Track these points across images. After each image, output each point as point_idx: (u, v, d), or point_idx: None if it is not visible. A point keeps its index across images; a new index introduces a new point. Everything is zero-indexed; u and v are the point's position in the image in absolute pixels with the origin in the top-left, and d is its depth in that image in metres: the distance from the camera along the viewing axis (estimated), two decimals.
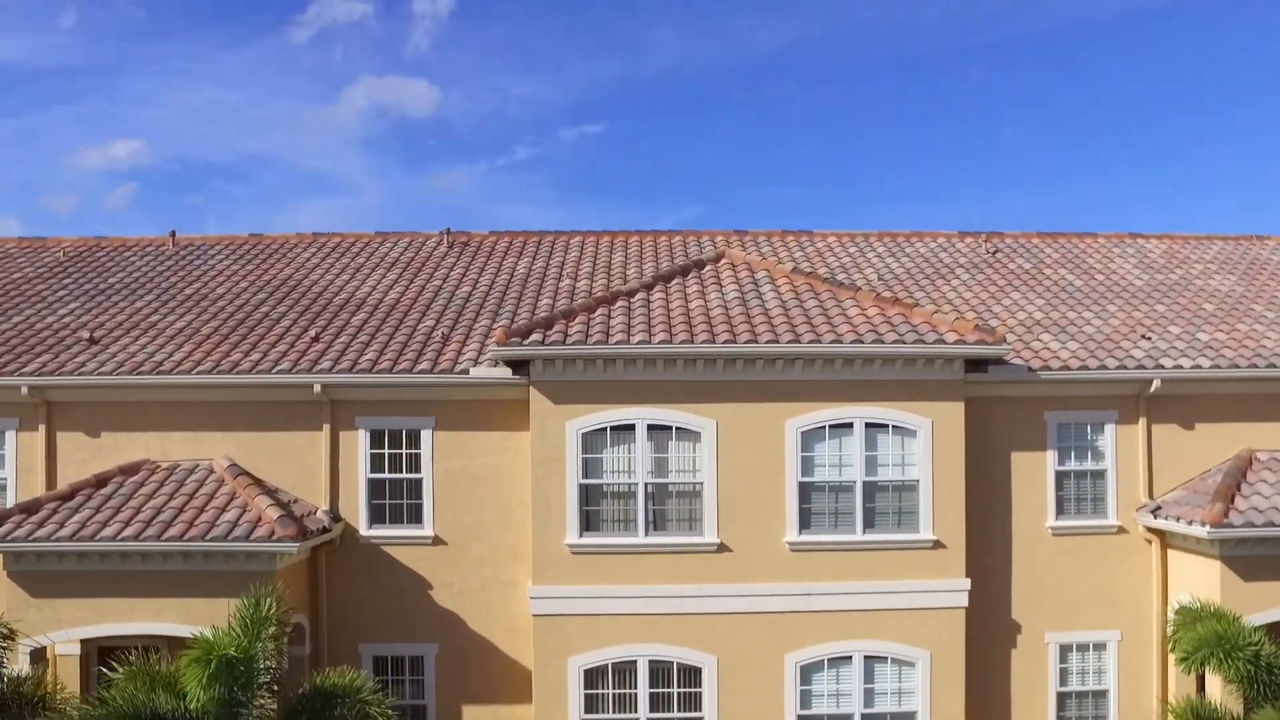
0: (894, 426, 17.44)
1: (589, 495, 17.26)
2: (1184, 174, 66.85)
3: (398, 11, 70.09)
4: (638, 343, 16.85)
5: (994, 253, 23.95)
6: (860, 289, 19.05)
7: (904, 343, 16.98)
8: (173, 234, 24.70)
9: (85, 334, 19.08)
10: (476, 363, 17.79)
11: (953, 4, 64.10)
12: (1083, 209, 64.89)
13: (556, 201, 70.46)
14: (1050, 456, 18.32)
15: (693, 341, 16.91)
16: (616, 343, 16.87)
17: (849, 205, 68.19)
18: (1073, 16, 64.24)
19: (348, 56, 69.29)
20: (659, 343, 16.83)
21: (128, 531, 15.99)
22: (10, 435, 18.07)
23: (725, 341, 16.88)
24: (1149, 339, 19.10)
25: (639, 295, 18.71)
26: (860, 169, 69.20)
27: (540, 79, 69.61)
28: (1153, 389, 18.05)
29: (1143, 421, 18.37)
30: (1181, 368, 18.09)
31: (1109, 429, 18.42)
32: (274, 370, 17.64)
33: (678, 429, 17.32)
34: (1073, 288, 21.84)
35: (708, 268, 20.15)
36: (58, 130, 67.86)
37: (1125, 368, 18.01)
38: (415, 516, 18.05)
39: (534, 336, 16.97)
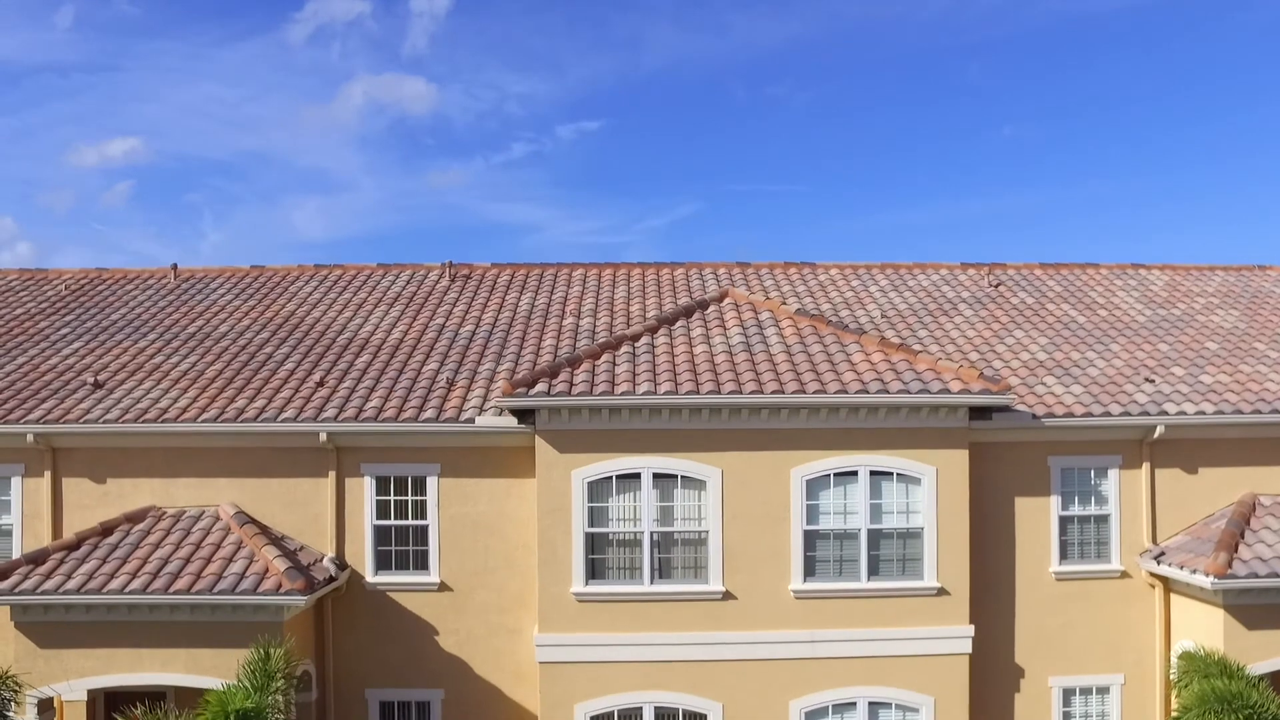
0: (898, 474, 17.49)
1: (595, 543, 17.30)
2: (1184, 174, 67.02)
3: (395, 9, 70.07)
4: (643, 393, 16.87)
5: (996, 285, 23.99)
6: (865, 332, 19.08)
7: (909, 392, 17.01)
8: (174, 267, 24.70)
9: (90, 378, 19.08)
10: (481, 410, 17.82)
11: (950, 1, 64.16)
12: (1081, 208, 65.04)
13: (554, 199, 70.55)
14: (1054, 501, 18.38)
15: (698, 391, 16.93)
16: (622, 393, 16.89)
17: (846, 203, 68.35)
18: (1069, 14, 64.33)
19: (345, 54, 69.30)
20: (664, 393, 16.86)
21: (135, 584, 16.03)
22: (16, 481, 18.09)
23: (730, 391, 16.91)
24: (1152, 381, 19.15)
25: (643, 339, 18.73)
26: (858, 167, 69.36)
27: (538, 76, 69.68)
28: (1156, 434, 18.10)
29: (1146, 466, 18.42)
30: (1185, 413, 18.13)
31: (1112, 473, 18.47)
32: (279, 418, 17.65)
33: (683, 477, 17.36)
34: (1075, 324, 21.89)
35: (711, 308, 20.16)
36: (55, 127, 67.90)
37: (1129, 414, 18.05)
38: (421, 563, 18.10)
39: (539, 387, 16.98)
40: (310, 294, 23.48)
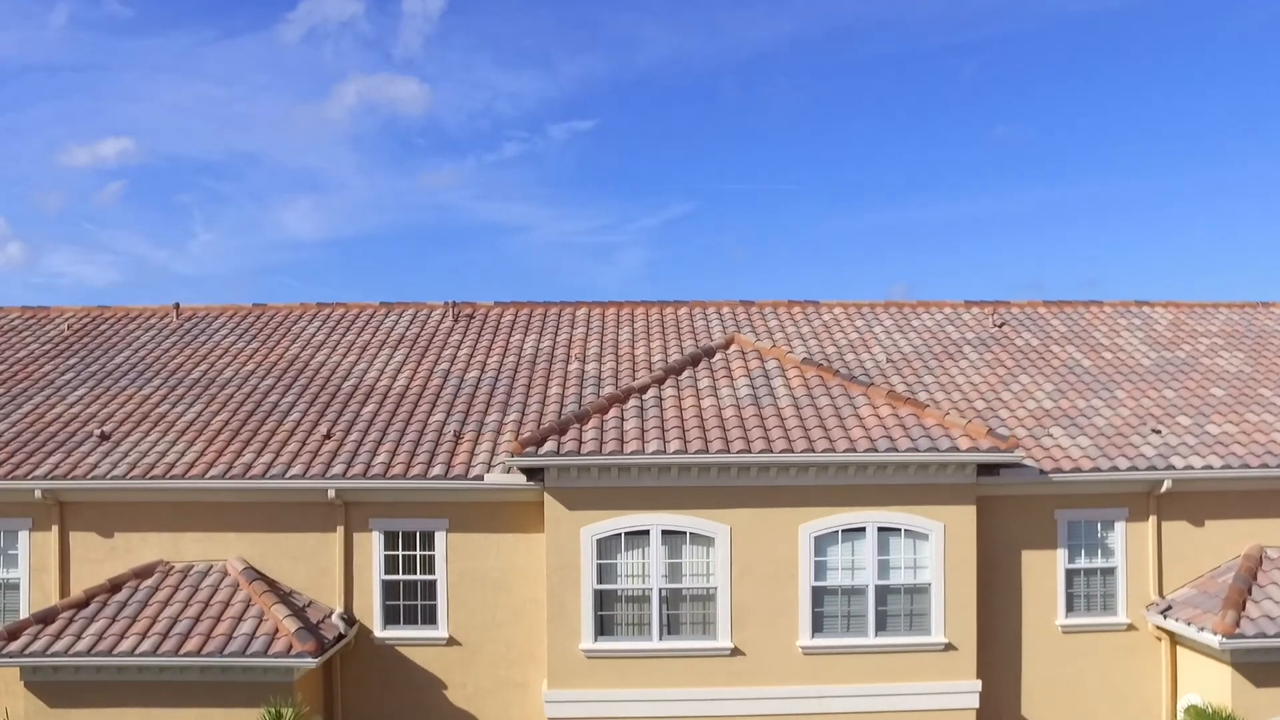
0: (906, 530, 17.53)
1: (603, 600, 17.32)
2: (1184, 173, 67.23)
3: (388, 9, 69.97)
4: (652, 452, 16.90)
5: (1000, 325, 24.03)
6: (872, 384, 19.08)
7: (917, 450, 17.04)
8: (176, 306, 24.68)
9: (96, 429, 19.04)
10: (490, 466, 17.82)
11: (943, 0, 64.30)
12: (1078, 208, 65.26)
13: (546, 198, 70.56)
14: (1061, 554, 18.42)
15: (707, 450, 16.96)
16: (631, 452, 16.91)
17: (839, 202, 68.47)
18: (1065, 14, 64.45)
19: (338, 54, 69.16)
20: (674, 451, 16.88)
21: (145, 645, 16.01)
22: (24, 535, 18.04)
23: (740, 450, 16.94)
24: (1159, 432, 19.20)
25: (650, 392, 18.73)
26: (851, 166, 69.49)
27: (530, 75, 69.66)
28: (1164, 488, 18.14)
29: (1153, 518, 18.47)
30: (1192, 468, 18.18)
31: (1119, 526, 18.52)
32: (287, 475, 17.63)
33: (691, 534, 17.38)
34: (1080, 368, 21.93)
35: (717, 356, 20.17)
36: (44, 127, 67.72)
37: (1136, 468, 18.09)
38: (430, 618, 18.08)
39: (548, 446, 16.98)
40: (313, 335, 23.45)
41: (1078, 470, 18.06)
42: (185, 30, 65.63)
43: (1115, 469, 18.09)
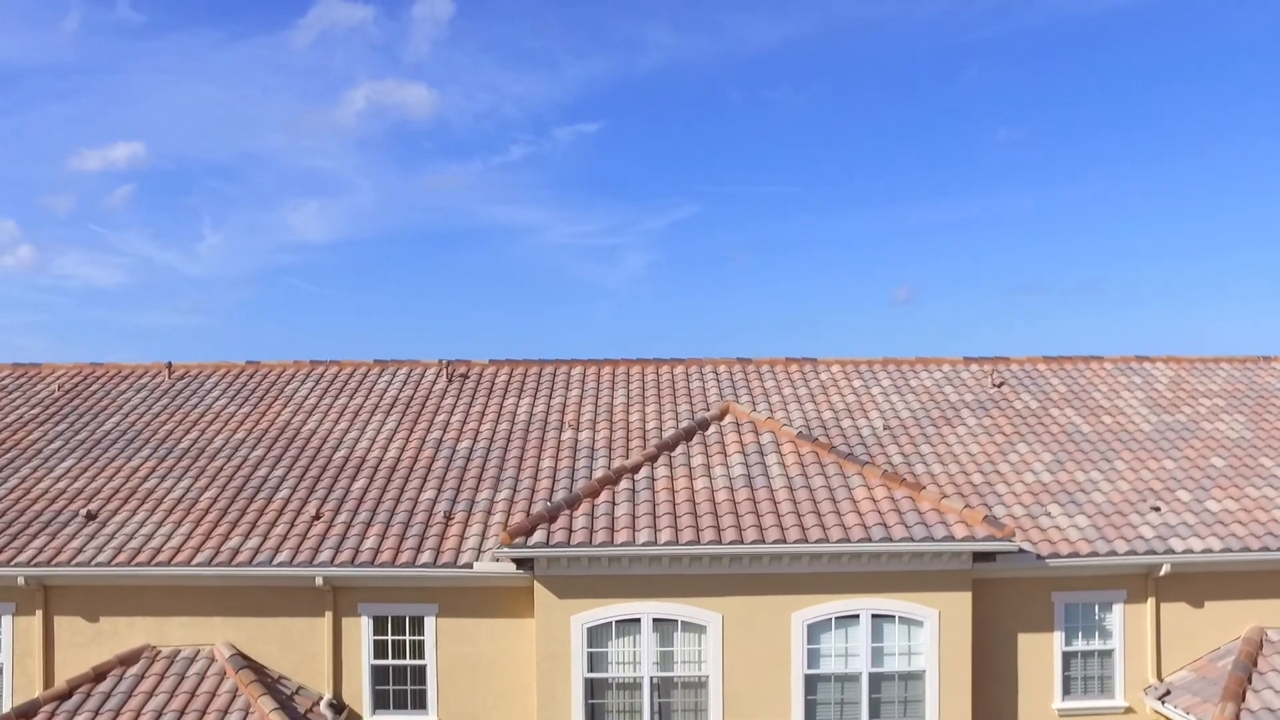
0: (900, 617, 17.29)
1: (594, 688, 17.11)
2: (1182, 172, 66.95)
3: (397, 15, 69.86)
4: (643, 543, 16.69)
5: (998, 385, 23.78)
6: (867, 463, 18.83)
7: (911, 539, 16.81)
8: (169, 365, 24.48)
9: (83, 509, 18.85)
10: (480, 552, 17.60)
11: (947, 2, 64.01)
12: (1080, 209, 65.05)
13: (552, 201, 70.46)
14: (1058, 637, 18.19)
15: (698, 540, 16.75)
16: (622, 543, 16.70)
17: (842, 204, 68.28)
18: (1067, 15, 64.13)
19: (347, 59, 69.05)
20: (665, 542, 16.68)
21: None
22: (6, 620, 17.84)
23: (731, 541, 16.72)
24: (1158, 510, 18.95)
25: (642, 471, 18.51)
26: (854, 168, 69.32)
27: (535, 78, 69.54)
28: (1162, 572, 17.90)
29: (1151, 600, 18.23)
30: (1192, 551, 17.92)
31: (1117, 608, 18.28)
32: (275, 561, 17.43)
33: (683, 622, 17.17)
34: (1079, 435, 21.68)
35: (711, 428, 19.93)
36: (53, 129, 67.70)
37: (1135, 552, 17.84)
38: (419, 702, 17.87)
39: (537, 536, 16.77)
40: (305, 397, 23.24)
41: (1075, 555, 17.81)
42: (194, 33, 65.57)
43: (1114, 553, 17.84)
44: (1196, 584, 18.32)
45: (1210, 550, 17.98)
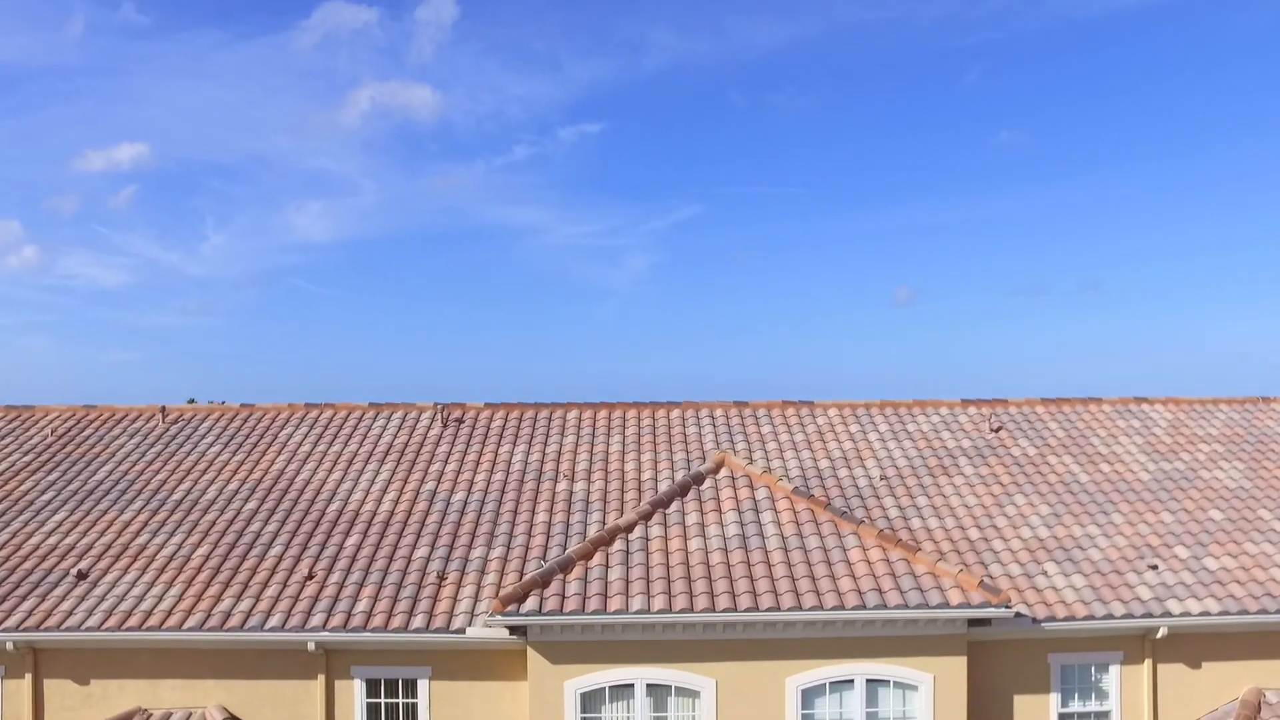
0: (895, 682, 17.19)
1: None
2: (1184, 173, 66.86)
3: (401, 17, 69.82)
4: (636, 610, 16.59)
5: (996, 430, 23.66)
6: (862, 522, 18.69)
7: (906, 606, 16.71)
8: (163, 409, 24.38)
9: (74, 568, 18.74)
10: (472, 615, 17.50)
11: (950, 4, 63.88)
12: (1074, 205, 65.00)
13: (555, 201, 70.46)
14: (1054, 699, 18.08)
15: (691, 608, 16.65)
16: (615, 610, 16.60)
17: (845, 206, 68.25)
18: (1070, 17, 64.02)
19: (351, 60, 69.02)
20: (658, 610, 16.57)
21: None
22: None
23: (725, 608, 16.62)
24: (1155, 568, 18.83)
25: (636, 531, 18.40)
26: (856, 170, 69.31)
27: (539, 78, 69.55)
28: (1160, 634, 17.79)
29: (1148, 662, 18.12)
30: (1189, 613, 17.80)
31: (1114, 669, 18.18)
32: (267, 626, 17.32)
33: (677, 688, 17.08)
34: (1077, 485, 21.56)
35: (706, 483, 19.81)
36: (58, 130, 67.74)
37: (1132, 615, 17.72)
38: None
39: (530, 603, 16.66)
40: (300, 444, 23.13)
41: (1072, 619, 17.69)
42: (199, 34, 65.57)
43: (1111, 616, 17.72)
44: (1194, 645, 18.21)
45: (1208, 613, 17.86)
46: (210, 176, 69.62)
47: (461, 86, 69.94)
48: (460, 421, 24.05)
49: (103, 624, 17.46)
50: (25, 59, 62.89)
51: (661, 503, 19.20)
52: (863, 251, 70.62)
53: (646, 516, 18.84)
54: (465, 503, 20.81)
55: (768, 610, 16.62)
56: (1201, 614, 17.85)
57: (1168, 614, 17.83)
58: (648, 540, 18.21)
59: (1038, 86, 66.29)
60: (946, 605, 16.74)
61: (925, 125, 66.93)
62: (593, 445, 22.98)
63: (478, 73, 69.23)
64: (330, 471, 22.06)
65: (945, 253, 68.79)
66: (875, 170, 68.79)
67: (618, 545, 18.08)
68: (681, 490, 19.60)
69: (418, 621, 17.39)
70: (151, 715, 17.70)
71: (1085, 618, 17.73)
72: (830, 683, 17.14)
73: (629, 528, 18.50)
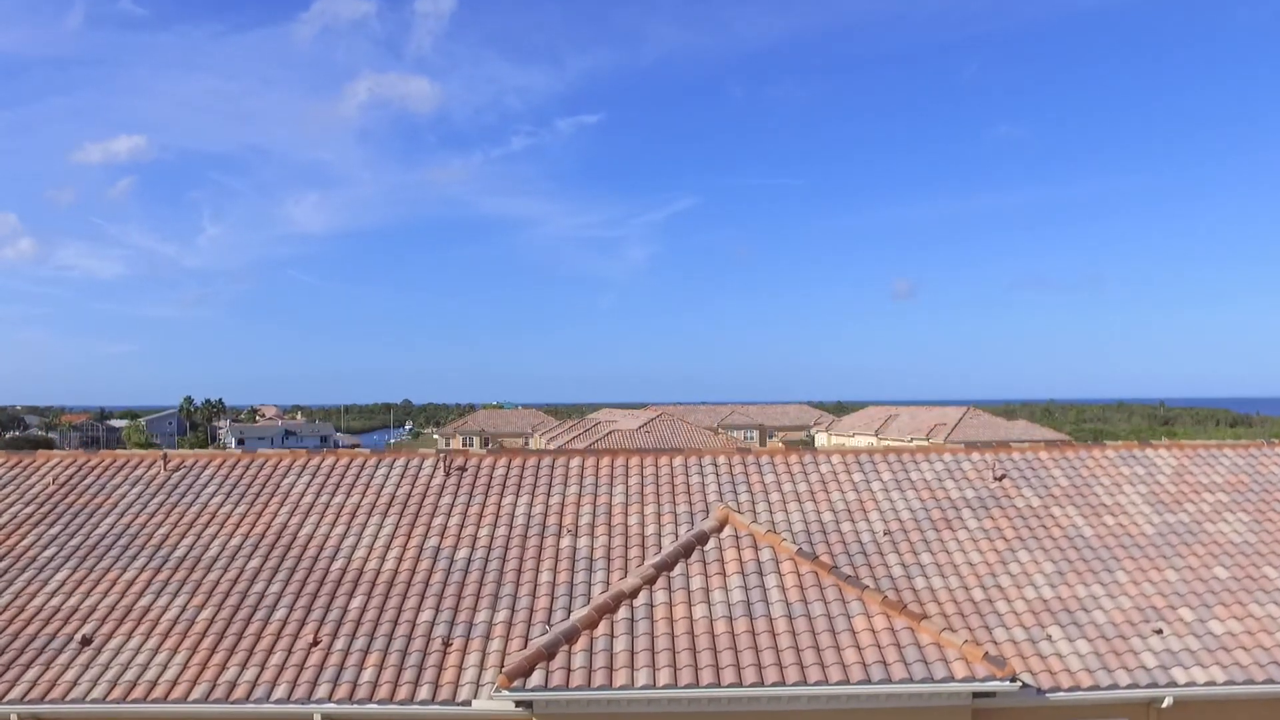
0: None
1: None
2: (1185, 169, 66.80)
3: (399, 9, 69.59)
4: (641, 685, 16.60)
5: (1000, 479, 23.63)
6: (867, 588, 18.67)
7: (911, 679, 16.71)
8: (165, 455, 24.31)
9: (78, 635, 18.71)
10: (478, 685, 17.49)
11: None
12: (1073, 205, 64.88)
13: (552, 193, 70.60)
14: None
15: (696, 682, 16.66)
16: (621, 685, 16.62)
17: (842, 197, 68.17)
18: (1068, 11, 63.90)
19: (349, 52, 68.96)
20: (663, 685, 16.59)
21: None
22: None
23: (730, 683, 16.63)
24: (1160, 632, 18.82)
25: (641, 596, 18.41)
26: (854, 162, 69.29)
27: (537, 70, 69.75)
28: (1165, 704, 17.79)
29: None
30: (1195, 683, 17.80)
31: None
32: (272, 698, 17.29)
33: None
34: (1081, 539, 21.55)
35: (710, 543, 19.81)
36: (55, 122, 67.64)
37: (1137, 685, 17.71)
38: None
39: (536, 677, 16.67)
40: (302, 494, 23.09)
41: (1077, 688, 17.69)
42: (197, 26, 65.53)
43: (1115, 685, 17.71)
44: (1198, 712, 18.19)
45: (1214, 682, 17.85)
46: (207, 168, 70.01)
47: (459, 78, 70.20)
48: (463, 470, 24.00)
49: (107, 695, 17.44)
50: (23, 51, 62.71)
51: (665, 565, 19.19)
52: (862, 243, 70.73)
53: (651, 580, 18.83)
54: (469, 560, 20.78)
55: (773, 685, 16.62)
56: (1207, 684, 17.85)
57: (1173, 683, 17.83)
58: (652, 607, 18.21)
59: (1038, 81, 66.58)
60: (951, 679, 16.75)
61: (924, 118, 67.19)
62: (595, 496, 22.94)
63: (475, 64, 69.41)
64: (334, 525, 22.01)
65: (944, 245, 68.71)
66: (874, 163, 69.31)
67: (622, 613, 18.07)
68: (685, 551, 19.59)
69: (423, 693, 17.38)
70: None
71: (1090, 687, 17.72)
72: None
73: (633, 593, 18.50)
